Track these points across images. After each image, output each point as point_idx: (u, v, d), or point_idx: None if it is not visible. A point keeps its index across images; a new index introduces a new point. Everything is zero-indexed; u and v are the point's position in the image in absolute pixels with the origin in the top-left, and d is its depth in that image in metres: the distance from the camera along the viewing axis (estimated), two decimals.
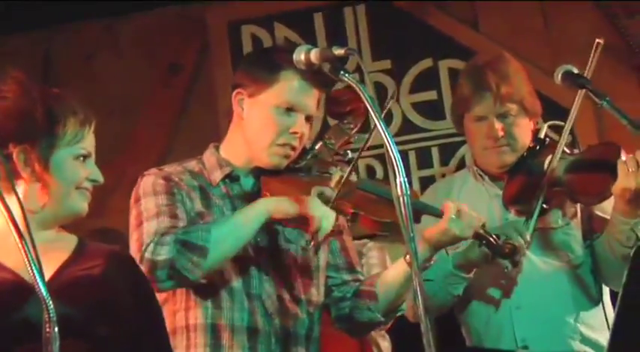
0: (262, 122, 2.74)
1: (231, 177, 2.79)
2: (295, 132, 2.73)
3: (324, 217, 2.60)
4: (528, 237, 2.97)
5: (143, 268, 2.56)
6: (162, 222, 2.65)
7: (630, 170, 2.89)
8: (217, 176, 2.78)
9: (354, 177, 2.82)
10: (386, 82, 4.75)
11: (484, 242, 2.82)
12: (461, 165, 4.60)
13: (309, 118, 2.77)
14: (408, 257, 2.65)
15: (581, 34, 4.37)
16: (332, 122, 3.06)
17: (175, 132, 4.97)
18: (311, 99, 2.76)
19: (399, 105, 4.75)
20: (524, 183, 3.11)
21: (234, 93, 2.78)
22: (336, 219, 2.68)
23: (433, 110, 4.74)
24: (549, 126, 3.22)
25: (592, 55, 3.06)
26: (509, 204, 3.13)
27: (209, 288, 2.69)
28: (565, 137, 3.07)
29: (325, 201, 2.68)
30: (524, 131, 3.17)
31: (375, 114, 2.43)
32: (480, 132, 3.17)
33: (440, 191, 3.36)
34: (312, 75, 2.67)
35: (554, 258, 3.14)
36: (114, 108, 4.87)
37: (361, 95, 2.45)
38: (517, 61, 3.23)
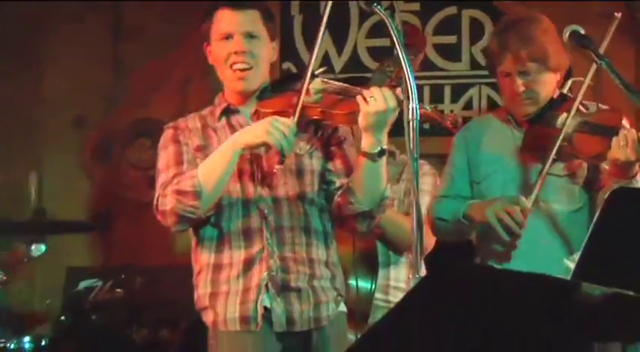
0: (216, 55, 2.84)
1: (230, 110, 2.88)
2: (238, 52, 2.79)
3: (282, 139, 2.62)
4: (528, 205, 3.02)
5: (159, 218, 2.75)
6: (169, 173, 2.79)
7: (621, 143, 2.93)
8: (217, 112, 2.89)
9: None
10: (413, 21, 4.74)
11: (430, 117, 2.81)
12: (468, 104, 4.65)
13: (251, 34, 2.81)
14: (361, 147, 2.69)
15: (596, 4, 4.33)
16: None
17: None
18: (236, 22, 2.81)
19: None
20: (541, 133, 3.12)
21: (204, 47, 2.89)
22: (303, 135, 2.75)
23: (451, 52, 4.75)
24: (573, 82, 3.22)
25: (610, 28, 3.06)
26: (526, 148, 3.15)
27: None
28: (580, 98, 3.08)
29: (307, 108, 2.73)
30: (546, 86, 3.17)
31: (398, 45, 2.45)
32: (505, 85, 3.20)
33: (475, 128, 3.38)
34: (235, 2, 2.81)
35: (557, 203, 3.17)
36: (168, 14, 4.86)
37: (389, 26, 2.48)
38: (547, 20, 3.20)
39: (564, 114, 3.10)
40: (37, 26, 4.96)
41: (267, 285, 2.74)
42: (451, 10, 4.76)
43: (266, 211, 2.77)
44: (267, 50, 2.85)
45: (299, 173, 2.81)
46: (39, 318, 4.29)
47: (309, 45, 4.76)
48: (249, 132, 2.69)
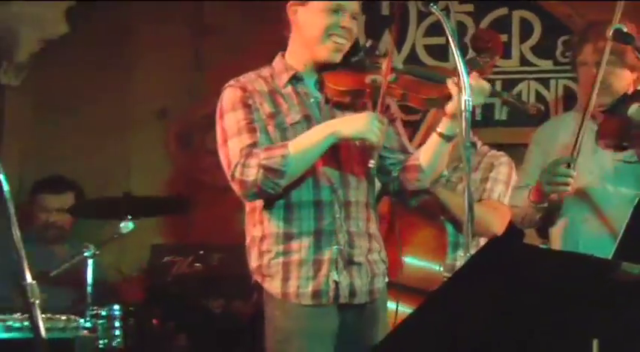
0: (316, 22, 2.71)
1: (296, 78, 2.77)
2: (344, 27, 2.71)
3: (379, 136, 2.58)
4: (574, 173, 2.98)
5: (234, 185, 2.63)
6: (244, 140, 2.65)
7: None
8: (284, 78, 2.76)
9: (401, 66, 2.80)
10: (467, 21, 4.67)
11: (510, 103, 2.79)
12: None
13: (354, 16, 2.75)
14: (438, 129, 2.66)
15: None
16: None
17: None
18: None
19: None
20: (614, 123, 3.07)
21: (288, 5, 2.78)
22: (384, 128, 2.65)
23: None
24: None
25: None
26: (599, 138, 3.10)
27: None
28: None
29: (377, 85, 2.67)
30: (620, 80, 3.13)
31: (453, 42, 2.44)
32: (582, 75, 3.18)
33: (552, 126, 3.36)
34: None
35: (627, 187, 3.11)
36: (243, 14, 4.87)
37: (444, 25, 2.46)
38: (632, 26, 3.13)
39: (636, 104, 3.04)
40: (125, 27, 5.01)
41: (336, 259, 2.67)
42: (502, 10, 4.68)
43: (335, 185, 2.70)
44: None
45: (362, 149, 2.74)
46: (127, 288, 4.35)
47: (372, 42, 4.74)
48: (350, 125, 2.62)
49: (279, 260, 2.68)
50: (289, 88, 2.76)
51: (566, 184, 2.98)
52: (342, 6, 2.71)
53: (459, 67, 2.39)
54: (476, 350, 1.79)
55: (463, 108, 2.34)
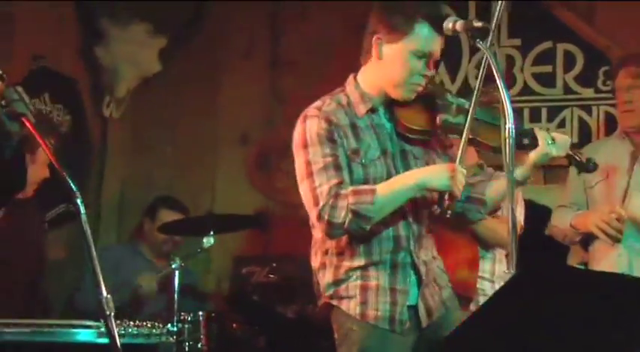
0: (400, 64, 2.49)
1: (372, 110, 2.55)
2: (425, 76, 2.53)
3: (461, 189, 2.45)
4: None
5: (320, 224, 2.42)
6: (331, 178, 2.42)
7: None
8: (362, 109, 2.53)
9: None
10: (515, 54, 4.57)
11: (573, 159, 2.64)
12: (561, 123, 4.48)
13: (436, 61, 2.58)
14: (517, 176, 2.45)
15: None
16: None
17: None
18: (438, 45, 2.51)
19: (522, 73, 4.56)
20: None
21: (373, 37, 2.53)
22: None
23: (547, 80, 4.55)
24: None
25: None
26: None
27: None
28: None
29: (447, 126, 2.53)
30: None
31: (497, 74, 2.35)
32: (617, 99, 3.07)
33: (592, 149, 3.28)
34: (438, 24, 2.46)
35: None
36: (316, 51, 4.84)
37: (490, 59, 2.37)
38: None
39: None
40: (209, 64, 5.03)
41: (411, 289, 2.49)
42: (547, 44, 4.55)
43: (411, 220, 2.52)
44: None
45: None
46: (212, 296, 4.33)
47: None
48: (436, 177, 2.43)
49: (357, 283, 2.47)
50: (367, 120, 2.53)
51: (614, 237, 2.88)
52: (430, 53, 2.49)
53: (502, 97, 2.29)
54: None
55: (507, 135, 2.24)
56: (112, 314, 1.90)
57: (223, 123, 5.02)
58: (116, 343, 1.90)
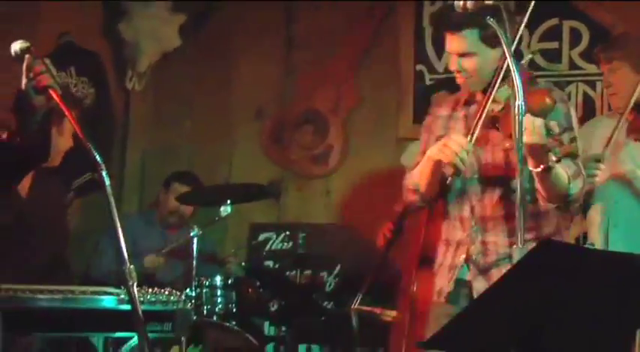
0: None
1: (468, 102, 2.60)
2: (457, 70, 2.54)
3: (453, 157, 2.38)
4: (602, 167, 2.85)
5: None
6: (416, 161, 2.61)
7: None
8: (462, 100, 2.62)
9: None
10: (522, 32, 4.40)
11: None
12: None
13: (463, 55, 2.51)
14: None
15: None
16: None
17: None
18: (454, 43, 2.51)
19: (529, 50, 4.40)
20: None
21: None
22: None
23: (553, 56, 4.40)
24: None
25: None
26: (630, 132, 2.92)
27: None
28: None
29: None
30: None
31: (507, 50, 2.24)
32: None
33: (592, 124, 3.23)
34: (448, 24, 2.50)
35: None
36: (328, 29, 4.71)
37: (500, 35, 2.26)
38: None
39: None
40: (227, 40, 4.92)
41: (468, 265, 2.48)
42: (554, 21, 4.39)
43: (474, 202, 2.50)
44: (482, 60, 2.51)
45: (506, 166, 2.49)
46: (229, 262, 4.25)
47: (438, 51, 4.54)
48: (432, 149, 2.46)
49: (439, 261, 2.55)
50: (462, 112, 2.62)
51: (594, 176, 2.81)
52: (450, 51, 2.55)
53: (513, 73, 2.18)
54: (529, 336, 1.59)
55: (516, 112, 2.13)
56: (135, 283, 1.86)
57: (239, 98, 4.91)
58: (138, 311, 1.86)
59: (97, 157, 1.91)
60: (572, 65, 4.36)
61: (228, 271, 4.05)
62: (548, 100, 2.32)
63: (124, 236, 1.89)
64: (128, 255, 1.87)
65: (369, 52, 4.63)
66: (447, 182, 2.46)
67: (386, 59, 4.59)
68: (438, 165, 2.46)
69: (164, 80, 4.91)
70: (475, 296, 2.45)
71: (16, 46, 2.11)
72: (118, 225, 1.86)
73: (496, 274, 2.41)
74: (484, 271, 2.48)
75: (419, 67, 4.58)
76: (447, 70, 4.52)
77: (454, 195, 2.54)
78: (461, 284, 2.50)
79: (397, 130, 4.58)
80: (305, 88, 4.83)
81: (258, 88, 4.86)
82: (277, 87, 4.87)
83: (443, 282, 2.52)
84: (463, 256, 2.50)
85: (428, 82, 4.58)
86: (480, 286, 2.46)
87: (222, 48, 4.91)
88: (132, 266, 1.86)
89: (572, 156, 2.29)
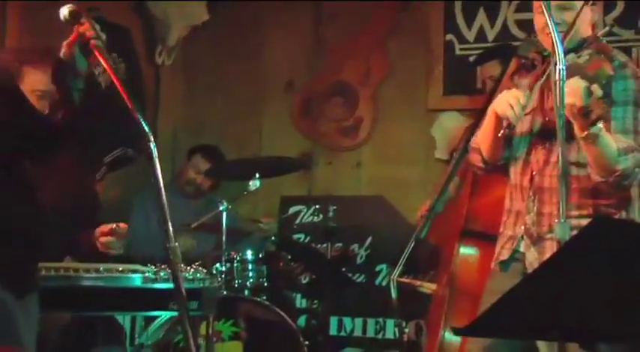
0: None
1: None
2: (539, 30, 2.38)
3: (508, 110, 2.26)
4: None
5: None
6: None
7: None
8: (541, 67, 2.44)
9: None
10: None
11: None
12: None
13: (564, 8, 2.35)
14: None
15: None
16: None
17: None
18: None
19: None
20: None
21: None
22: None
23: None
24: None
25: None
26: None
27: None
28: None
29: None
30: None
31: (548, 16, 2.04)
32: None
33: None
34: None
35: None
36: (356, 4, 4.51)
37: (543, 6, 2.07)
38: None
39: None
40: (255, 14, 4.75)
41: (522, 236, 2.36)
42: None
43: (534, 172, 2.36)
44: (581, 17, 2.35)
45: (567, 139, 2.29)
46: (258, 236, 4.12)
47: (468, 21, 4.33)
48: (493, 102, 2.34)
49: (501, 230, 2.46)
50: (542, 79, 2.43)
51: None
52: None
53: (554, 39, 1.99)
54: (580, 316, 1.42)
55: (557, 77, 1.94)
56: (180, 263, 1.78)
57: (269, 71, 4.76)
58: (182, 290, 1.77)
59: (146, 128, 1.81)
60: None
61: (257, 242, 3.92)
62: (605, 67, 2.12)
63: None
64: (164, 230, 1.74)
65: (398, 23, 4.45)
66: (500, 134, 2.31)
67: (415, 30, 4.40)
68: (498, 120, 2.33)
69: (193, 54, 4.79)
70: (527, 267, 2.34)
71: (65, 11, 2.05)
72: (165, 201, 1.73)
73: (549, 246, 2.28)
74: (537, 243, 2.34)
75: (449, 36, 4.37)
76: (477, 40, 4.36)
77: (518, 163, 2.41)
78: (516, 254, 2.39)
79: (427, 102, 4.40)
80: (334, 60, 4.65)
81: (288, 60, 4.71)
82: (307, 59, 4.71)
83: (501, 252, 2.41)
84: (522, 227, 2.38)
85: (458, 52, 4.38)
86: (531, 257, 2.34)
87: (251, 22, 4.75)
88: (177, 245, 1.77)
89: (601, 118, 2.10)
